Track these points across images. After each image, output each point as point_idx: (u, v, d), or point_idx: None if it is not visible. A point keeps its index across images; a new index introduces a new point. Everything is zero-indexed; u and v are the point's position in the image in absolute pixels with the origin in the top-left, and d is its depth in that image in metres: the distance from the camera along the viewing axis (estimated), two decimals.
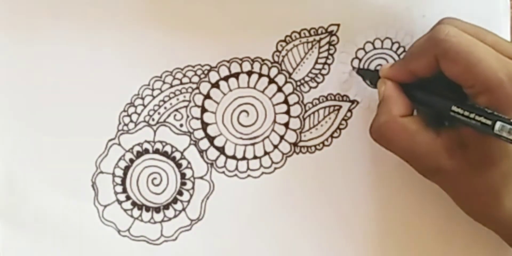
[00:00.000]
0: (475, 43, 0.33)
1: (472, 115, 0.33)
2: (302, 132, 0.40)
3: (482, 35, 0.34)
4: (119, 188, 0.40)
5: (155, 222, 0.40)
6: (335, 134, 0.40)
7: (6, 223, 0.40)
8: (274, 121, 0.40)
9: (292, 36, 0.40)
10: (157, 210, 0.40)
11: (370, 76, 0.39)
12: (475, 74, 0.33)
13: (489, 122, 0.32)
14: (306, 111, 0.40)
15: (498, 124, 0.32)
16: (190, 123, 0.40)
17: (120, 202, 0.40)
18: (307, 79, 0.40)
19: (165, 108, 0.40)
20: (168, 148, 0.40)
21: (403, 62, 0.36)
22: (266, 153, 0.40)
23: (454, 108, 0.34)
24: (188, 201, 0.40)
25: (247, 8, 0.39)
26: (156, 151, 0.40)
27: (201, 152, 0.40)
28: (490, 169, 0.34)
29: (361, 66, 0.40)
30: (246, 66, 0.40)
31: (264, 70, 0.40)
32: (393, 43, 0.40)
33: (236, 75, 0.40)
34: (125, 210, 0.40)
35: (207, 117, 0.40)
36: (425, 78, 0.36)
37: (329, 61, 0.40)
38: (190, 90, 0.40)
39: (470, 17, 0.40)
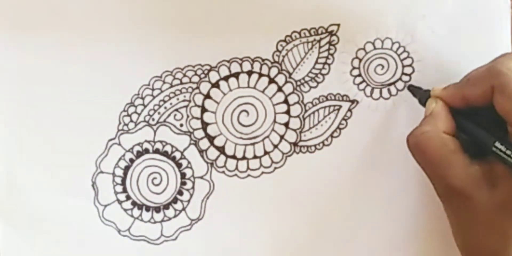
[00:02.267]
0: None
1: None
2: (302, 131, 0.40)
3: None
4: (119, 188, 0.40)
5: (155, 222, 0.40)
6: (335, 134, 0.40)
7: (6, 223, 0.40)
8: (274, 121, 0.40)
9: (292, 36, 0.40)
10: (157, 209, 0.40)
11: (420, 95, 0.39)
12: None
13: None
14: (306, 111, 0.40)
15: None
16: (190, 123, 0.40)
17: (120, 202, 0.40)
18: (307, 79, 0.40)
19: (165, 108, 0.40)
20: (168, 148, 0.40)
21: (458, 86, 0.36)
22: (266, 152, 0.40)
23: (497, 144, 0.34)
24: (188, 201, 0.40)
25: (247, 8, 0.39)
26: (156, 151, 0.40)
27: (201, 151, 0.40)
28: (508, 215, 0.34)
29: (361, 66, 0.40)
30: (246, 66, 0.40)
31: (264, 70, 0.40)
32: (393, 43, 0.40)
33: (236, 75, 0.40)
34: (125, 210, 0.40)
35: (207, 117, 0.40)
36: (475, 106, 0.35)
37: (329, 61, 0.40)
38: (190, 90, 0.40)
39: (471, 16, 0.40)
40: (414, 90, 0.40)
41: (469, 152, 0.36)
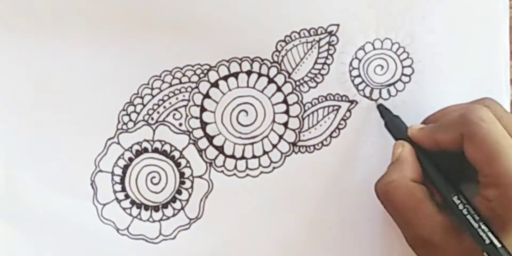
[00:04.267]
0: (504, 136, 0.33)
1: (469, 217, 0.34)
2: (301, 131, 0.40)
3: None
4: (118, 187, 0.40)
5: (154, 221, 0.40)
6: (334, 134, 0.40)
7: (5, 222, 0.40)
8: (273, 121, 0.40)
9: (291, 36, 0.40)
10: (156, 209, 0.40)
11: (389, 118, 0.39)
12: (493, 166, 0.33)
13: (486, 240, 0.33)
14: (305, 111, 0.40)
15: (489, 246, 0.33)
16: (189, 122, 0.40)
17: (119, 201, 0.40)
18: (306, 79, 0.40)
19: (164, 107, 0.40)
20: (167, 147, 0.40)
21: (431, 130, 0.36)
22: (265, 152, 0.40)
23: (454, 198, 0.34)
24: (187, 200, 0.40)
25: (247, 8, 0.39)
26: (155, 150, 0.40)
27: (200, 151, 0.40)
28: None
29: (361, 67, 0.40)
30: (246, 66, 0.40)
31: (264, 70, 0.40)
32: (393, 44, 0.40)
33: (236, 75, 0.40)
34: (124, 209, 0.40)
35: (206, 117, 0.40)
36: (448, 151, 0.35)
37: (328, 61, 0.40)
38: (189, 89, 0.40)
39: (470, 17, 0.40)
40: (383, 111, 0.39)
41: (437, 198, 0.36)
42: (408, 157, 0.36)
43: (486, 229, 0.33)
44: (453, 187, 0.35)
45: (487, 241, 0.33)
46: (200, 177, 0.40)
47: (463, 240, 0.34)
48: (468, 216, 0.34)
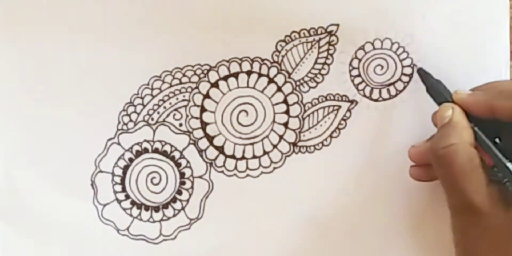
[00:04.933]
0: None
1: None
2: (302, 132, 0.40)
3: None
4: (118, 187, 0.40)
5: (154, 221, 0.40)
6: (334, 134, 0.40)
7: (5, 222, 0.40)
8: (274, 121, 0.40)
9: (291, 36, 0.40)
10: (156, 209, 0.40)
11: (429, 82, 0.38)
12: None
13: None
14: (305, 111, 0.40)
15: None
16: (190, 123, 0.40)
17: (119, 201, 0.40)
18: (306, 79, 0.40)
19: (164, 107, 0.40)
20: (167, 148, 0.40)
21: (487, 96, 0.35)
22: (265, 152, 0.40)
23: (509, 164, 0.34)
24: (187, 200, 0.40)
25: (247, 8, 0.39)
26: (156, 151, 0.40)
27: (200, 151, 0.40)
28: None
29: (361, 66, 0.40)
30: (246, 66, 0.40)
31: (264, 70, 0.40)
32: (392, 44, 0.40)
33: (236, 75, 0.40)
34: (124, 209, 0.40)
35: (207, 117, 0.40)
36: (499, 119, 0.35)
37: (328, 61, 0.40)
38: (189, 89, 0.40)
39: (470, 17, 0.40)
40: (424, 76, 0.39)
41: (487, 166, 0.35)
42: (462, 121, 0.35)
43: None
44: (507, 155, 0.34)
45: None
46: (200, 177, 0.40)
47: (508, 214, 0.33)
48: None
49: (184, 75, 0.40)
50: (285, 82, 0.40)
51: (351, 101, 0.40)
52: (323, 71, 0.40)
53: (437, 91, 0.38)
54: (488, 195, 0.34)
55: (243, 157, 0.40)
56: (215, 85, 0.40)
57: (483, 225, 0.34)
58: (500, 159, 0.34)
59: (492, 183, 0.34)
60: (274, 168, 0.41)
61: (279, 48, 0.40)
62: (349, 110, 0.40)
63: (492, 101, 0.35)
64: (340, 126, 0.40)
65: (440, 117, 0.36)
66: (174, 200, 0.40)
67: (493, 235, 0.34)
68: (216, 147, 0.40)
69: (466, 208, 0.34)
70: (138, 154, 0.40)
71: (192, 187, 0.40)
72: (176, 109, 0.40)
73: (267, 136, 0.40)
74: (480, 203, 0.34)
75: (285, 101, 0.40)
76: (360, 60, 0.40)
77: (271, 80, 0.40)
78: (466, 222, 0.35)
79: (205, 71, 0.40)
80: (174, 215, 0.40)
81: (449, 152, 0.34)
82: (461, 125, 0.35)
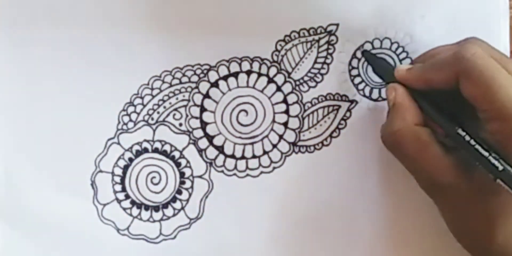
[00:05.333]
0: (499, 69, 0.33)
1: (478, 147, 0.33)
2: (301, 131, 0.40)
3: (504, 62, 0.34)
4: (118, 187, 0.40)
5: (154, 221, 0.40)
6: (334, 134, 0.40)
7: (5, 222, 0.40)
8: (273, 121, 0.40)
9: (291, 36, 0.40)
10: (156, 209, 0.40)
11: (376, 63, 0.39)
12: (492, 100, 0.32)
13: (499, 166, 0.33)
14: (305, 111, 0.40)
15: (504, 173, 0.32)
16: (189, 122, 0.40)
17: (119, 201, 0.40)
18: (306, 78, 0.40)
19: (164, 107, 0.40)
20: (167, 147, 0.40)
21: (422, 70, 0.36)
22: (265, 152, 0.41)
23: (460, 131, 0.34)
24: (187, 200, 0.40)
25: (247, 8, 0.39)
26: (155, 150, 0.40)
27: (200, 151, 0.40)
28: (491, 197, 0.34)
29: (360, 66, 0.40)
30: (245, 66, 0.40)
31: (263, 70, 0.40)
32: (392, 43, 0.40)
33: (235, 75, 0.40)
34: (124, 209, 0.40)
35: (206, 117, 0.40)
36: (440, 90, 0.35)
37: (328, 61, 0.40)
38: (189, 89, 0.40)
39: (470, 17, 0.40)
40: (369, 57, 0.39)
41: (444, 139, 0.36)
42: (405, 101, 0.36)
43: (497, 156, 0.33)
44: (455, 122, 0.35)
45: (500, 168, 0.33)
46: (200, 177, 0.40)
47: (473, 178, 0.34)
48: (477, 146, 0.33)
49: (184, 75, 0.40)
50: (285, 81, 0.40)
51: (351, 101, 0.40)
52: (322, 71, 0.40)
53: (383, 71, 0.38)
54: (448, 167, 0.34)
55: (243, 157, 0.40)
56: (215, 84, 0.40)
57: (454, 195, 0.35)
58: (449, 128, 0.35)
59: (450, 153, 0.35)
60: (274, 168, 0.41)
61: (279, 47, 0.40)
62: (349, 110, 0.40)
63: (426, 75, 0.35)
64: (340, 126, 0.40)
65: (387, 99, 0.37)
66: (174, 199, 0.40)
67: (465, 202, 0.35)
68: (216, 147, 0.40)
69: (433, 186, 0.35)
70: (138, 154, 0.40)
71: (192, 187, 0.40)
72: (176, 109, 0.40)
73: (267, 136, 0.40)
74: (443, 178, 0.34)
75: (284, 101, 0.40)
76: (359, 60, 0.40)
77: (270, 80, 0.40)
78: (438, 197, 0.36)
79: (205, 71, 0.40)
80: (174, 215, 0.40)
81: (396, 139, 0.35)
82: (403, 106, 0.36)
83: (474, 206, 0.34)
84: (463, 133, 0.34)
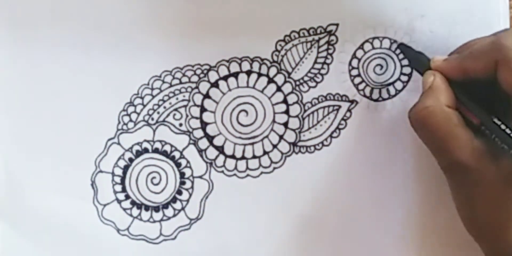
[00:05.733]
0: None
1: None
2: (301, 132, 0.40)
3: None
4: (118, 187, 0.40)
5: (154, 221, 0.40)
6: (334, 134, 0.40)
7: (5, 222, 0.40)
8: (273, 121, 0.40)
9: (291, 36, 0.40)
10: (156, 209, 0.40)
11: (412, 56, 0.39)
12: None
13: None
14: (305, 111, 0.40)
15: None
16: (190, 123, 0.40)
17: (119, 201, 0.40)
18: (306, 78, 0.40)
19: (164, 107, 0.40)
20: (167, 148, 0.40)
21: (459, 59, 0.36)
22: (265, 152, 0.40)
23: (496, 120, 0.34)
24: (187, 200, 0.40)
25: (247, 8, 0.39)
26: (156, 151, 0.40)
27: (200, 151, 0.40)
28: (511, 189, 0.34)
29: (360, 66, 0.40)
30: (245, 66, 0.40)
31: (263, 70, 0.40)
32: (392, 43, 0.40)
33: (235, 75, 0.40)
34: (124, 209, 0.40)
35: (207, 117, 0.40)
36: (476, 79, 0.35)
37: (328, 61, 0.40)
38: (189, 89, 0.40)
39: (470, 17, 0.40)
40: (405, 50, 0.39)
41: (472, 124, 0.35)
42: (441, 84, 0.36)
43: None
44: (490, 111, 0.35)
45: None
46: (200, 177, 0.40)
47: (500, 164, 0.34)
48: None
49: (184, 75, 0.40)
50: (285, 81, 0.40)
51: (351, 101, 0.40)
52: (322, 71, 0.40)
53: (420, 62, 0.38)
54: (474, 151, 0.34)
55: (243, 157, 0.40)
56: (215, 85, 0.40)
57: (475, 181, 0.34)
58: (484, 116, 0.35)
59: (478, 139, 0.34)
60: (274, 168, 0.40)
61: (279, 47, 0.40)
62: (349, 110, 0.40)
63: (463, 64, 0.36)
64: (340, 126, 0.40)
65: (423, 84, 0.37)
66: (174, 200, 0.40)
67: (486, 190, 0.34)
68: (216, 147, 0.40)
69: (454, 166, 0.35)
70: (138, 154, 0.40)
71: (192, 187, 0.40)
72: (176, 109, 0.40)
73: (267, 136, 0.40)
74: (467, 159, 0.34)
75: (285, 101, 0.40)
76: (359, 60, 0.40)
77: (270, 80, 0.40)
78: (458, 180, 0.35)
79: (205, 71, 0.40)
80: (174, 215, 0.40)
81: (424, 115, 0.35)
82: (440, 88, 0.36)
83: (495, 195, 0.34)
84: (499, 122, 0.34)
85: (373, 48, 0.40)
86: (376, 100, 0.40)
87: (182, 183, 0.40)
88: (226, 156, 0.40)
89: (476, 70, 0.35)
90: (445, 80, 0.36)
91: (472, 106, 0.35)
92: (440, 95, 0.35)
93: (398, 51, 0.40)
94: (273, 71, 0.40)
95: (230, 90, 0.40)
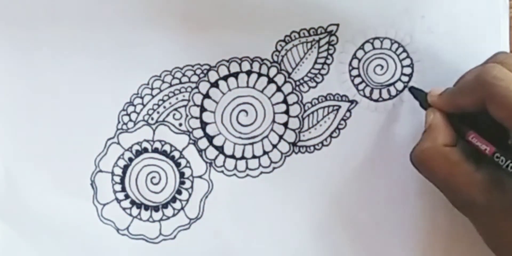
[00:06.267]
0: None
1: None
2: (301, 132, 0.40)
3: None
4: (118, 187, 0.40)
5: (154, 221, 0.40)
6: (334, 134, 0.40)
7: (5, 222, 0.40)
8: (273, 121, 0.40)
9: (291, 36, 0.40)
10: (156, 209, 0.40)
11: (422, 97, 0.39)
12: None
13: None
14: (305, 111, 0.40)
15: None
16: (189, 122, 0.40)
17: (119, 201, 0.40)
18: (306, 79, 0.40)
19: (164, 107, 0.40)
20: (167, 147, 0.40)
21: (452, 94, 0.37)
22: (265, 152, 0.41)
23: (497, 154, 0.34)
24: (187, 200, 0.40)
25: (247, 8, 0.39)
26: (155, 150, 0.40)
27: (200, 151, 0.40)
28: None
29: (360, 66, 0.40)
30: (246, 66, 0.40)
31: (264, 70, 0.40)
32: (392, 43, 0.40)
33: (235, 75, 0.40)
34: (124, 209, 0.40)
35: (206, 117, 0.40)
36: (471, 113, 0.35)
37: (328, 61, 0.40)
38: (189, 89, 0.40)
39: (470, 17, 0.40)
40: (416, 92, 0.40)
41: (476, 155, 0.35)
42: (439, 123, 0.36)
43: None
44: (490, 143, 0.35)
45: None
46: (200, 177, 0.40)
47: (506, 192, 0.34)
48: None
49: (184, 75, 0.40)
50: (285, 82, 0.40)
51: (351, 101, 0.40)
52: (323, 71, 0.40)
53: (423, 99, 0.39)
54: (477, 185, 0.34)
55: (242, 157, 0.40)
56: (214, 85, 0.40)
57: (486, 212, 0.34)
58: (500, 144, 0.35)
59: (482, 169, 0.35)
60: (274, 168, 0.41)
61: (279, 48, 0.40)
62: (349, 110, 0.40)
63: (454, 100, 0.36)
64: (340, 126, 0.40)
65: (425, 123, 0.37)
66: (173, 199, 0.40)
67: (499, 219, 0.34)
68: (216, 147, 0.40)
69: (463, 204, 0.35)
70: (138, 153, 0.40)
71: (191, 187, 0.40)
72: (176, 109, 0.40)
73: (266, 136, 0.40)
74: (474, 195, 0.34)
75: (284, 101, 0.40)
76: (360, 60, 0.40)
77: (271, 80, 0.40)
78: (473, 215, 0.36)
79: (205, 71, 0.40)
80: (174, 215, 0.40)
81: (422, 158, 0.36)
82: (437, 128, 0.36)
83: (507, 222, 0.34)
84: (501, 157, 0.34)
85: (374, 48, 0.40)
86: (376, 101, 0.40)
87: (182, 182, 0.40)
88: (226, 156, 0.40)
89: (467, 106, 0.35)
90: (444, 118, 0.37)
91: (480, 138, 0.35)
92: (438, 135, 0.36)
93: (398, 51, 0.40)
94: (273, 71, 0.40)
95: (230, 90, 0.40)
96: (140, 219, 0.40)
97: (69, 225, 0.40)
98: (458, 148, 0.36)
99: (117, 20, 0.39)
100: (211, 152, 0.40)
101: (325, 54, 0.40)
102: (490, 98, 0.33)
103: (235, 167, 0.40)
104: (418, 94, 0.39)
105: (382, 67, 0.40)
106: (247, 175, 0.40)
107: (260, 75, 0.40)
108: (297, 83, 0.40)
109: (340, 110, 0.40)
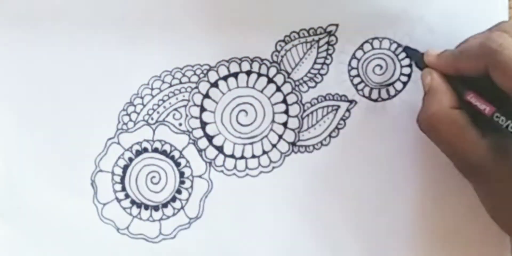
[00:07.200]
0: None
1: None
2: (301, 131, 0.41)
3: None
4: (118, 187, 0.40)
5: (154, 220, 0.40)
6: (333, 134, 0.41)
7: (5, 222, 0.40)
8: (273, 121, 0.41)
9: (291, 36, 0.40)
10: (156, 208, 0.41)
11: (417, 58, 0.39)
12: None
13: None
14: (304, 111, 0.40)
15: None
16: (189, 122, 0.40)
17: (119, 200, 0.40)
18: (305, 79, 0.40)
19: (164, 107, 0.40)
20: (167, 147, 0.40)
21: (452, 57, 0.36)
22: (264, 152, 0.41)
23: (497, 114, 0.34)
24: (187, 200, 0.41)
25: (247, 8, 0.39)
26: (155, 150, 0.40)
27: (200, 151, 0.40)
28: None
29: (360, 66, 0.40)
30: (245, 66, 0.40)
31: (263, 70, 0.40)
32: (391, 43, 0.40)
33: (235, 75, 0.40)
34: (124, 208, 0.40)
35: (206, 117, 0.40)
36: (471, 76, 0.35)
37: (327, 61, 0.40)
38: (189, 89, 0.40)
39: (470, 17, 0.40)
40: (410, 52, 0.39)
41: (481, 121, 0.35)
42: (439, 85, 0.36)
43: None
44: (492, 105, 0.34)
45: None
46: (200, 176, 0.40)
47: (510, 160, 0.34)
48: None
49: (183, 75, 0.40)
50: (285, 82, 0.40)
51: (350, 101, 0.40)
52: (322, 71, 0.40)
53: (416, 57, 0.38)
54: (485, 149, 0.34)
55: (242, 157, 0.41)
56: (214, 85, 0.40)
57: (490, 178, 0.35)
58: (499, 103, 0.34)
59: (488, 135, 0.35)
60: (273, 168, 0.41)
61: (279, 48, 0.40)
62: (348, 110, 0.40)
63: (456, 63, 0.36)
64: (339, 126, 0.41)
65: (422, 84, 0.37)
66: (173, 199, 0.40)
67: (502, 185, 0.34)
68: (216, 147, 0.41)
69: (469, 168, 0.35)
70: (138, 153, 0.40)
71: (191, 187, 0.40)
72: (175, 109, 0.40)
73: (266, 136, 0.41)
74: (480, 160, 0.34)
75: (284, 101, 0.40)
76: (359, 60, 0.40)
77: (270, 80, 0.40)
78: (477, 180, 0.36)
79: (205, 71, 0.40)
80: (174, 214, 0.40)
81: (431, 122, 0.35)
82: (439, 90, 0.36)
83: (510, 189, 0.34)
84: (501, 117, 0.34)
85: (373, 48, 0.40)
86: (376, 101, 0.40)
87: (182, 182, 0.41)
88: (226, 156, 0.41)
89: (469, 70, 0.35)
90: (442, 78, 0.36)
91: (479, 98, 0.35)
92: (442, 97, 0.36)
93: (398, 51, 0.40)
94: (272, 71, 0.40)
95: (229, 90, 0.40)
96: (140, 218, 0.40)
97: (69, 225, 0.40)
98: (464, 111, 0.35)
99: (117, 21, 0.39)
100: (211, 152, 0.40)
101: (324, 54, 0.40)
102: (495, 65, 0.33)
103: (235, 167, 0.41)
104: (413, 54, 0.39)
105: (381, 67, 0.40)
106: (247, 174, 0.41)
107: (259, 75, 0.40)
108: (297, 83, 0.40)
109: (339, 110, 0.40)
